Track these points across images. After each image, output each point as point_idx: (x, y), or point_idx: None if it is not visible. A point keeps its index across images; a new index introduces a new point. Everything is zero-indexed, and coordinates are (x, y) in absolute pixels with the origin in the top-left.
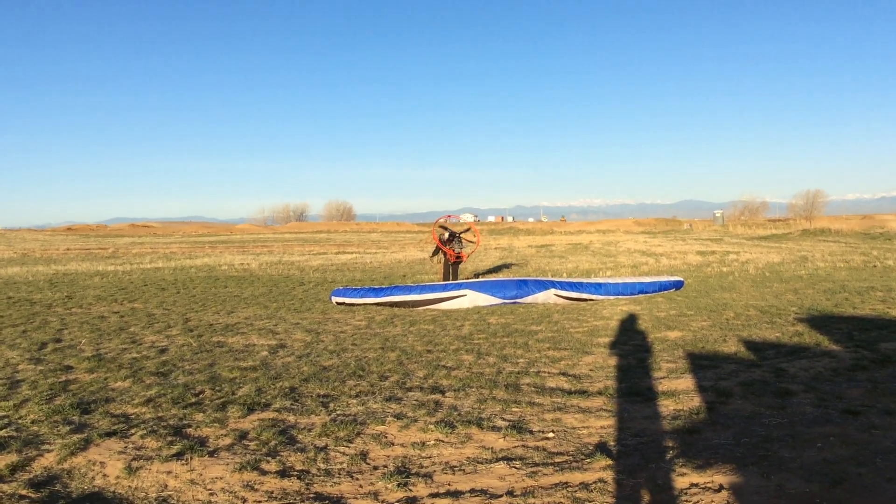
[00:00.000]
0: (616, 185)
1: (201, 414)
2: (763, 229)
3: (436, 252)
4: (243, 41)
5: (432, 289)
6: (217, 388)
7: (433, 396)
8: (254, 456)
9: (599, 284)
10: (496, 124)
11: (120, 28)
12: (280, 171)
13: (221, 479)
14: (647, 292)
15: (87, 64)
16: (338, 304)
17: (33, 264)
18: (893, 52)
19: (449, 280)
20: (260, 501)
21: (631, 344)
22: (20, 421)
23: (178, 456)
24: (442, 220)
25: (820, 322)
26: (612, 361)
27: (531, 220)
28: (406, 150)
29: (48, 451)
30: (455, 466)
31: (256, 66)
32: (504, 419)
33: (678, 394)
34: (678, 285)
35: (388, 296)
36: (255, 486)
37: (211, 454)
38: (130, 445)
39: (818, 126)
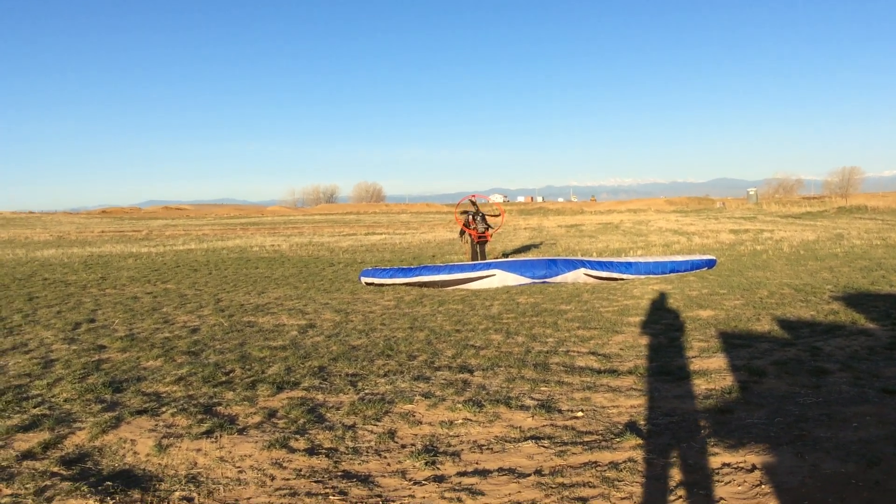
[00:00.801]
0: (647, 163)
1: (231, 392)
2: (798, 207)
3: (462, 233)
4: (274, 23)
5: (461, 269)
6: (247, 367)
7: (461, 376)
8: (282, 434)
9: (630, 264)
10: (525, 105)
11: (155, 14)
12: (310, 154)
13: (250, 456)
14: (678, 271)
15: (121, 49)
16: (367, 284)
17: (68, 246)
18: None
19: (477, 260)
20: (288, 479)
21: (662, 323)
22: (53, 399)
23: (208, 434)
24: (465, 201)
25: (856, 300)
26: (643, 341)
27: (561, 199)
28: (436, 132)
29: (80, 428)
30: (483, 445)
31: (287, 49)
32: (532, 398)
33: (710, 373)
34: (710, 264)
35: (416, 276)
36: (284, 464)
37: (240, 432)
38: (161, 423)
39: (854, 101)
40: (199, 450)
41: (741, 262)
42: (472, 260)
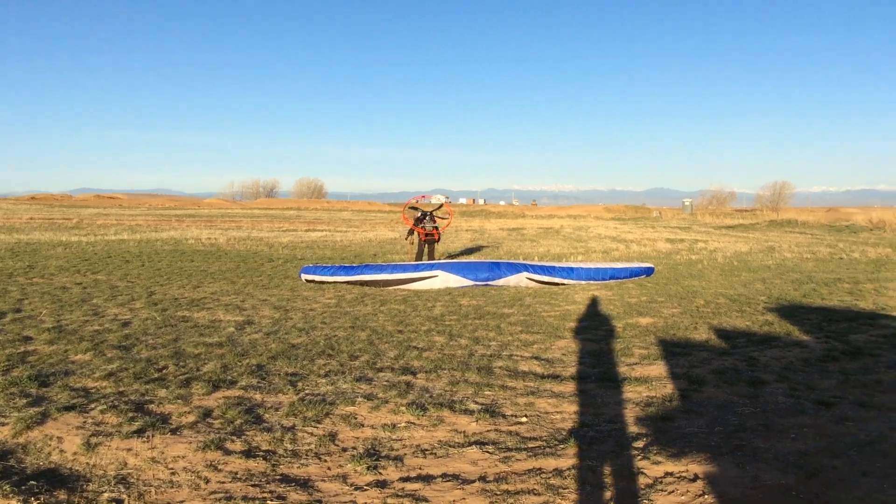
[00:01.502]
0: (588, 171)
1: (164, 390)
2: (730, 219)
3: (410, 233)
4: (218, 14)
5: (403, 268)
6: (181, 363)
7: (404, 378)
8: (218, 435)
9: (571, 269)
10: (469, 107)
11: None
12: (251, 147)
13: (184, 457)
14: (618, 278)
15: (58, 33)
16: (307, 281)
17: None
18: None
19: (422, 261)
20: (224, 482)
21: (603, 329)
22: None
23: (139, 433)
24: (412, 202)
25: (789, 312)
26: (585, 346)
27: (502, 203)
28: (379, 130)
29: (3, 423)
30: (427, 450)
31: (230, 41)
32: (476, 402)
33: (651, 380)
34: (649, 272)
35: (358, 274)
36: (219, 466)
37: (173, 432)
38: (90, 420)
39: (787, 119)
40: (129, 449)
41: (678, 271)
42: (417, 260)
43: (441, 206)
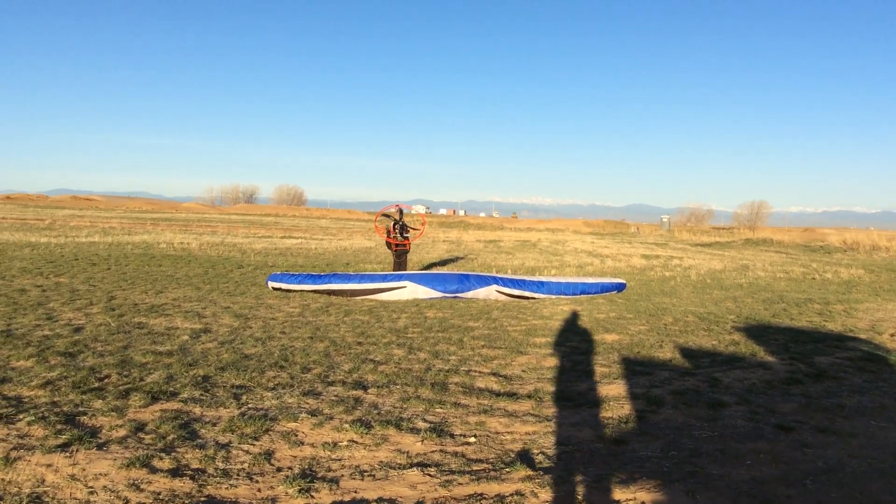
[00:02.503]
0: (568, 185)
1: (101, 401)
2: (707, 236)
3: (389, 245)
4: (200, 16)
5: (372, 278)
6: (125, 372)
7: (355, 392)
8: (147, 451)
9: (542, 283)
10: (453, 119)
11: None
12: (232, 152)
13: (106, 475)
14: (589, 293)
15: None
16: (274, 289)
17: None
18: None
19: (399, 270)
20: (144, 503)
21: (567, 345)
22: None
23: (64, 447)
24: (386, 210)
25: (757, 332)
26: (547, 363)
27: (483, 214)
28: (362, 139)
29: None
30: (365, 471)
31: (214, 46)
32: (426, 420)
33: (609, 400)
34: (620, 287)
35: (326, 283)
36: (142, 486)
37: (100, 447)
38: (14, 433)
39: (766, 140)
40: (50, 465)
41: (650, 288)
42: (395, 270)
43: (403, 214)
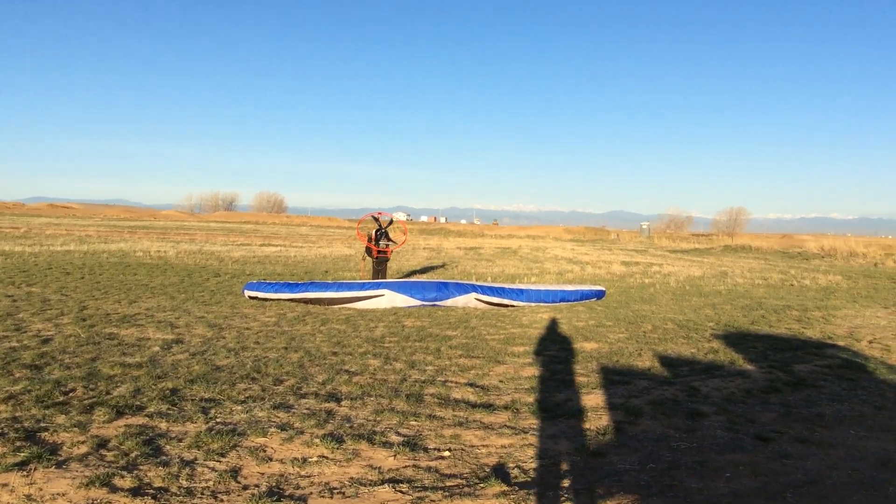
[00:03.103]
0: (549, 192)
1: (64, 416)
2: (687, 243)
3: (369, 251)
4: (175, 21)
5: (350, 287)
6: (91, 386)
7: (327, 405)
8: (108, 469)
9: (521, 290)
10: (433, 125)
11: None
12: (211, 160)
13: (64, 495)
14: (568, 300)
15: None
16: (250, 297)
17: None
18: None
19: (378, 279)
20: None
21: (546, 354)
22: None
23: (22, 466)
24: (368, 217)
25: (736, 339)
26: (525, 372)
27: (464, 221)
28: (341, 145)
29: None
30: (335, 488)
31: (192, 51)
32: (399, 433)
33: (587, 411)
34: (600, 295)
35: (303, 292)
36: None
37: (59, 465)
38: None
39: (744, 147)
40: (5, 485)
41: (629, 295)
42: (374, 278)
43: (392, 222)
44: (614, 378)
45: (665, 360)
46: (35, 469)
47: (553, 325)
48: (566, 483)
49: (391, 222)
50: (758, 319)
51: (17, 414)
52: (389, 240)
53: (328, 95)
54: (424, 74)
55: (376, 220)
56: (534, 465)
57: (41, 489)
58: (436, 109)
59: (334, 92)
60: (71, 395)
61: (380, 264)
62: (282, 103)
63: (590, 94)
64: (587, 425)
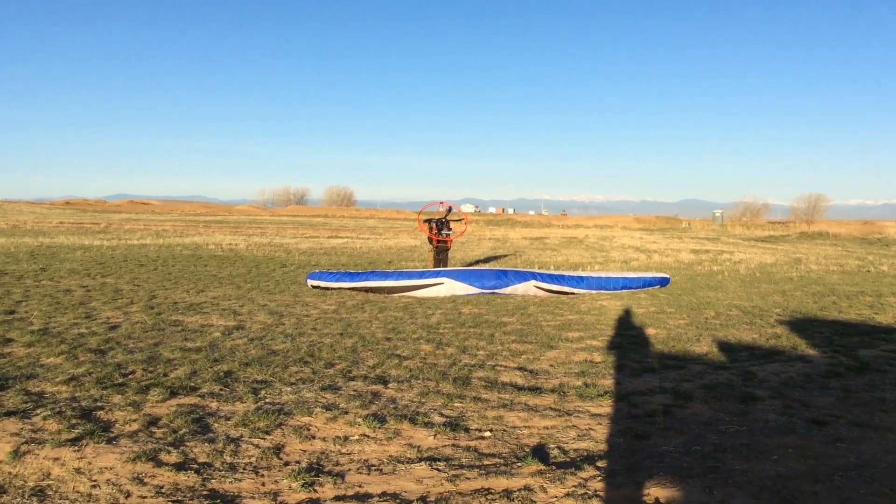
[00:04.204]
0: (620, 181)
1: (120, 396)
2: (762, 231)
3: (430, 241)
4: (254, 24)
5: (409, 275)
6: (150, 368)
7: (374, 387)
8: (155, 445)
9: (581, 278)
10: (501, 117)
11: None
12: (284, 155)
13: (111, 469)
14: (630, 288)
15: (101, 43)
16: (313, 287)
17: (21, 236)
18: None
19: (440, 267)
20: (145, 497)
21: (600, 339)
22: None
23: (74, 441)
24: (428, 209)
25: (801, 325)
26: (576, 357)
27: (532, 212)
28: (411, 139)
29: None
30: (373, 465)
31: (268, 53)
32: (442, 415)
33: (636, 394)
34: (664, 282)
35: (363, 281)
36: (145, 479)
37: (110, 441)
38: (28, 427)
39: (824, 130)
40: (57, 458)
41: (695, 282)
42: (435, 267)
43: (451, 210)
44: (668, 363)
45: (724, 346)
46: (86, 445)
47: (612, 312)
48: (606, 464)
49: (450, 210)
50: (828, 305)
51: (76, 394)
52: (449, 229)
53: (399, 90)
54: (494, 67)
55: (436, 212)
56: (574, 447)
57: (90, 463)
58: (505, 100)
59: (405, 87)
60: (129, 377)
61: (440, 253)
62: (351, 99)
63: (661, 80)
64: (634, 408)
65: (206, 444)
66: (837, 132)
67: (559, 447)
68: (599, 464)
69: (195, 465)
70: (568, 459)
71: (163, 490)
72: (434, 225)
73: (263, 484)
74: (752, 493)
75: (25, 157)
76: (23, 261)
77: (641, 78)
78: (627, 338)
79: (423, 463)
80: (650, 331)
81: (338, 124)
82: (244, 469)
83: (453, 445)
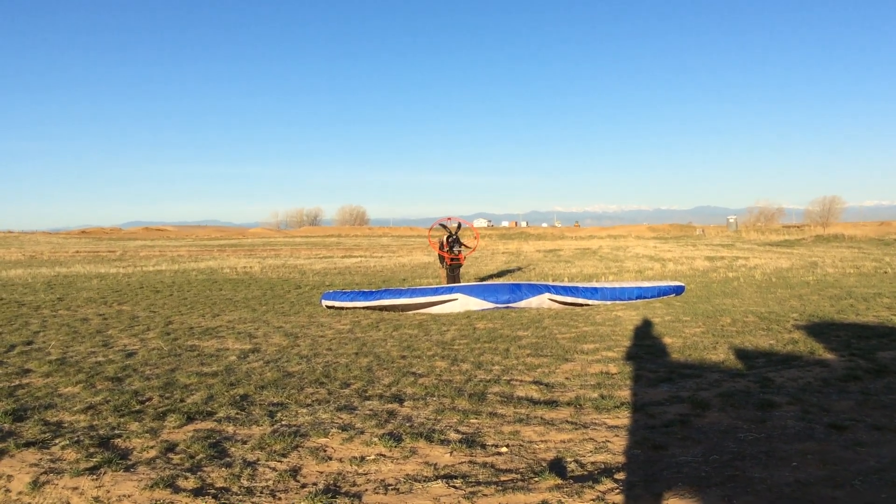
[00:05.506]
0: (632, 191)
1: (137, 423)
2: (777, 235)
3: (441, 259)
4: (255, 45)
5: (423, 292)
6: (167, 395)
7: (390, 406)
8: (173, 471)
9: (596, 289)
10: (512, 132)
11: (145, 29)
12: (295, 176)
13: (129, 497)
14: (645, 297)
15: (101, 67)
16: (328, 307)
17: (38, 266)
18: None
19: (452, 283)
20: None
21: (616, 350)
22: None
23: (93, 470)
24: (437, 225)
25: (819, 329)
26: (592, 369)
27: (545, 225)
28: (421, 156)
29: None
30: (390, 485)
31: (271, 72)
32: (458, 432)
33: (653, 405)
34: (679, 290)
35: (378, 299)
36: None
37: (128, 469)
38: (46, 457)
39: (838, 131)
40: (76, 488)
41: (711, 289)
42: (448, 283)
43: (461, 227)
44: (684, 371)
45: (741, 353)
46: (104, 473)
47: (627, 322)
48: (622, 476)
49: (460, 227)
50: (845, 308)
51: (94, 423)
52: (461, 245)
53: (408, 107)
54: (502, 80)
55: (444, 226)
56: (591, 460)
57: (108, 491)
58: (513, 114)
59: (415, 104)
60: (146, 403)
61: (453, 270)
62: (361, 118)
63: (673, 87)
64: (651, 419)
65: (223, 469)
66: (852, 132)
67: (576, 460)
68: (617, 476)
69: (213, 491)
70: (585, 473)
71: None
72: (445, 242)
73: None
74: (770, 501)
75: (41, 188)
76: (40, 291)
77: (652, 86)
78: (643, 348)
79: (439, 481)
80: (666, 340)
81: (349, 144)
82: (261, 493)
83: (470, 462)
